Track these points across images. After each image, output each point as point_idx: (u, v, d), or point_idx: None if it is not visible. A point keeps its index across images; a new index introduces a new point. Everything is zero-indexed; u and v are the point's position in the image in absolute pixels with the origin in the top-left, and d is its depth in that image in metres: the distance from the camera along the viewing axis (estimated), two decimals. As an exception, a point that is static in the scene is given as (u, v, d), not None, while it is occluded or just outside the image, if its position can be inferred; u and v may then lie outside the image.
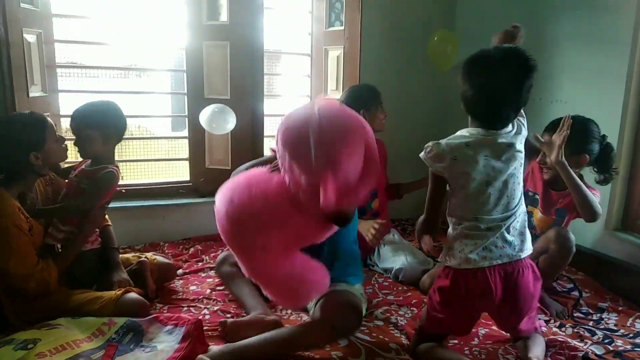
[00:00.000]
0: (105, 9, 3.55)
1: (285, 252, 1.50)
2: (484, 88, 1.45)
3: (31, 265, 1.74)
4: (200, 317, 1.83)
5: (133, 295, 1.83)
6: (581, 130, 1.94)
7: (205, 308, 1.97)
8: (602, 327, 1.90)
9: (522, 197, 1.58)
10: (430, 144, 1.52)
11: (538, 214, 2.15)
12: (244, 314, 1.89)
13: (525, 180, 1.88)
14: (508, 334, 1.76)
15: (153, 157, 4.11)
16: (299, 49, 3.35)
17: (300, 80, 3.38)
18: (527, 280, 1.53)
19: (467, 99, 1.49)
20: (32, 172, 1.83)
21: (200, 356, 1.50)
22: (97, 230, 2.01)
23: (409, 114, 3.10)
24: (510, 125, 1.52)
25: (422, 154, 1.54)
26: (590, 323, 1.93)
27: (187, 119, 2.95)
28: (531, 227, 1.98)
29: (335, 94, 3.03)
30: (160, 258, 2.21)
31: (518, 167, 1.54)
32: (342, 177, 1.34)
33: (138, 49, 3.96)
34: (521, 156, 1.54)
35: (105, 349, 1.55)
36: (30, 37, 2.37)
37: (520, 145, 1.53)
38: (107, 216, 2.11)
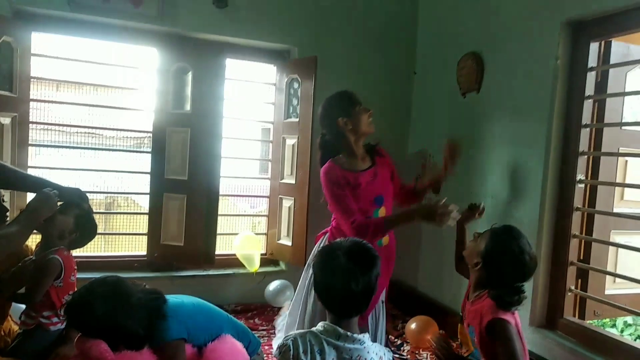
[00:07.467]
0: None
1: None
2: (357, 286, 1.42)
3: None
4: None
5: None
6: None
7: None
8: None
9: None
10: None
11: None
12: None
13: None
14: None
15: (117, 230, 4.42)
16: (259, 136, 3.61)
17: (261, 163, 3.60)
18: None
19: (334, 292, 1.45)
20: None
21: None
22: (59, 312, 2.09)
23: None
24: None
25: None
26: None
27: (149, 196, 3.15)
28: None
29: (290, 178, 3.23)
30: None
31: None
32: None
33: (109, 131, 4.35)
34: None
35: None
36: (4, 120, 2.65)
37: None
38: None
